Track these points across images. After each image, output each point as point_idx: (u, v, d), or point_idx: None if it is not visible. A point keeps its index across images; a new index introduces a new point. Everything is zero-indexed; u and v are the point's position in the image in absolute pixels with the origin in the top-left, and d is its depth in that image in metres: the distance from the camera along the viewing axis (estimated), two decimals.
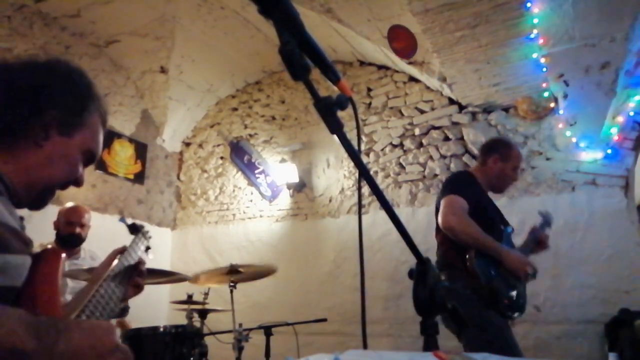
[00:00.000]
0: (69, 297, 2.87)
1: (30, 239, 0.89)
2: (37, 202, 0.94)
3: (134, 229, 1.39)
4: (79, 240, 3.12)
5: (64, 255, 0.91)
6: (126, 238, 1.37)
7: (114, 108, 4.94)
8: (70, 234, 3.08)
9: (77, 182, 0.99)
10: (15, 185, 0.86)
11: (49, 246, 2.97)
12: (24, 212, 0.96)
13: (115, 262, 1.12)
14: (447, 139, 4.12)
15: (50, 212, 4.03)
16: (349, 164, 4.61)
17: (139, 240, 1.32)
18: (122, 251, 1.16)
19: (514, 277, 2.28)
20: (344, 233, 4.44)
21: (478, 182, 2.52)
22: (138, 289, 1.13)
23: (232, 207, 5.24)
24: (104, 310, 0.91)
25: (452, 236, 2.28)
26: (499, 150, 2.55)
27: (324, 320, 3.07)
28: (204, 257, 5.12)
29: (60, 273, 0.87)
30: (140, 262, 1.16)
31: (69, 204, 3.27)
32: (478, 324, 2.12)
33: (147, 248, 1.37)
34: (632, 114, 3.41)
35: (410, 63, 3.95)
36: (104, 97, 1.03)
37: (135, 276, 1.12)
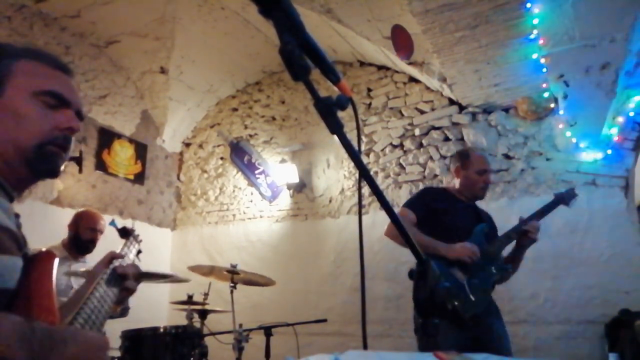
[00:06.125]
0: None
1: (25, 238, 0.88)
2: (40, 170, 0.88)
3: (125, 233, 1.39)
4: (94, 246, 3.19)
5: (57, 258, 0.90)
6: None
7: (114, 108, 4.94)
8: (91, 240, 3.16)
9: (65, 129, 0.89)
10: None
11: (43, 249, 2.99)
12: (22, 210, 0.95)
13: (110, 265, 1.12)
14: (447, 139, 4.12)
15: (51, 212, 4.05)
16: (349, 165, 4.61)
17: (130, 244, 1.32)
18: (116, 255, 1.16)
19: (465, 269, 2.34)
20: (344, 233, 4.44)
21: (446, 194, 2.70)
22: (129, 291, 1.13)
23: (232, 207, 5.24)
24: (99, 313, 0.91)
25: (397, 243, 2.45)
26: (459, 160, 2.72)
27: (324, 320, 3.07)
28: (204, 258, 5.11)
29: (54, 275, 0.86)
30: (130, 267, 1.14)
31: (85, 209, 3.36)
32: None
33: (139, 252, 1.36)
34: (632, 114, 3.41)
35: (410, 63, 3.95)
36: (39, 47, 0.97)
37: (126, 280, 1.12)
